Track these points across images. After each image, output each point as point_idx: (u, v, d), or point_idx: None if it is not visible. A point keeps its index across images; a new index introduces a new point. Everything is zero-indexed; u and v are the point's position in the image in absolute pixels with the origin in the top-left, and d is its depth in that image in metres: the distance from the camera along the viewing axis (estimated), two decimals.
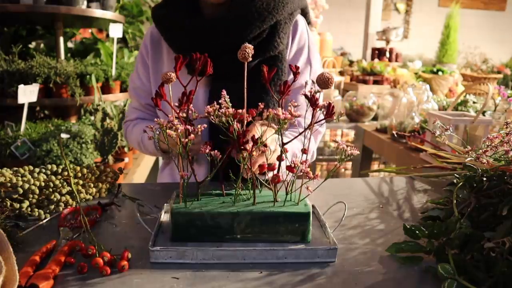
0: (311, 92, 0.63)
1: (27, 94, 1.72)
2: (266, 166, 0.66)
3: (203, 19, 1.00)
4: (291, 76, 1.03)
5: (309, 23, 1.13)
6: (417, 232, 0.65)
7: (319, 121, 0.64)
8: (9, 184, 0.77)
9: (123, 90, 2.27)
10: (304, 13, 1.11)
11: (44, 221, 0.75)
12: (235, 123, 0.63)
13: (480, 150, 0.84)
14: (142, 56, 1.10)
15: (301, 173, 0.65)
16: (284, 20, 1.00)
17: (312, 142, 1.09)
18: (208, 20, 0.99)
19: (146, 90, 1.10)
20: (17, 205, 0.76)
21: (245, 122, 0.66)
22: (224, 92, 0.66)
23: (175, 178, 1.13)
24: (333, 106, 0.62)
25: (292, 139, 0.71)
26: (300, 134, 0.68)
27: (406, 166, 1.18)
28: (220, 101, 0.65)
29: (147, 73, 1.09)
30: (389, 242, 0.67)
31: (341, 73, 4.39)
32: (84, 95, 2.02)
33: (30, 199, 0.77)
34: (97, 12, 2.09)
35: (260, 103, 0.67)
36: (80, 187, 0.85)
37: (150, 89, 1.09)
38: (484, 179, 0.74)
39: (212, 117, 0.65)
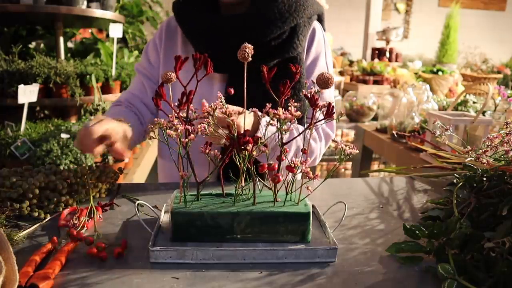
0: (311, 92, 0.63)
1: (27, 94, 1.72)
2: (266, 166, 0.66)
3: (224, 16, 1.03)
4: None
5: (324, 29, 1.15)
6: (417, 232, 0.65)
7: (319, 121, 0.64)
8: (9, 184, 0.77)
9: (123, 90, 2.27)
10: (320, 20, 1.13)
11: (44, 221, 0.75)
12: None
13: (480, 150, 0.84)
14: (155, 43, 1.12)
15: (301, 173, 0.65)
16: (303, 23, 1.02)
17: (323, 144, 1.09)
18: (230, 17, 1.01)
19: (152, 73, 1.13)
20: (17, 205, 0.76)
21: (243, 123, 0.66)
22: (219, 94, 0.66)
23: (174, 178, 1.13)
24: (333, 106, 0.62)
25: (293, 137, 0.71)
26: (299, 134, 0.68)
27: (406, 166, 1.18)
28: (215, 103, 0.65)
29: (157, 59, 1.11)
30: (389, 242, 0.67)
31: (341, 73, 4.40)
32: (84, 95, 2.02)
33: (30, 199, 0.77)
34: (97, 12, 2.09)
35: (268, 104, 0.66)
36: (80, 187, 0.85)
37: (156, 73, 1.12)
38: (484, 179, 0.74)
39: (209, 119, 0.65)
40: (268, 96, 0.66)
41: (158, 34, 1.13)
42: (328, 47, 1.12)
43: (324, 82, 0.61)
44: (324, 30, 1.15)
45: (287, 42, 1.00)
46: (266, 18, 0.97)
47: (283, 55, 1.00)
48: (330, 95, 1.10)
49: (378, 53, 5.06)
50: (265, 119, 0.77)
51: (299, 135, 0.70)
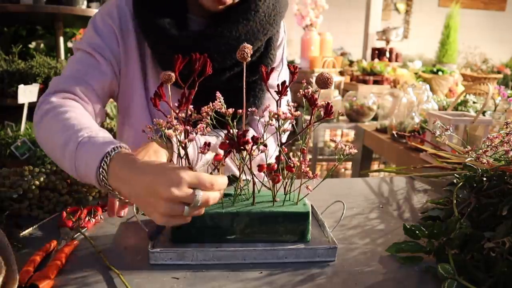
0: (309, 92, 0.63)
1: (27, 94, 1.73)
2: (265, 166, 0.66)
3: (200, 35, 0.88)
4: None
5: None
6: (417, 232, 0.65)
7: (317, 121, 0.64)
8: (9, 184, 0.77)
9: None
10: None
11: (44, 221, 0.75)
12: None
13: (480, 150, 0.84)
14: (111, 29, 0.88)
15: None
16: (275, 30, 0.96)
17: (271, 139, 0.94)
18: (207, 37, 0.88)
19: (108, 53, 0.87)
20: (17, 205, 0.76)
21: (243, 123, 0.66)
22: (218, 94, 0.66)
23: None
24: (331, 106, 0.62)
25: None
26: (298, 133, 0.68)
27: (406, 166, 1.18)
28: (214, 103, 0.65)
29: (117, 49, 0.89)
30: (389, 242, 0.67)
31: (341, 73, 4.39)
32: None
33: (30, 199, 0.77)
34: None
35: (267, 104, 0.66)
36: (80, 187, 0.85)
37: (114, 61, 0.89)
38: (484, 179, 0.74)
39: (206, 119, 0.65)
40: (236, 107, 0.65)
41: (116, 20, 0.88)
42: (285, 39, 1.06)
43: (323, 82, 0.61)
44: None
45: (264, 54, 0.94)
46: (248, 31, 0.88)
47: (257, 73, 0.93)
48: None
49: (378, 53, 5.06)
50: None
51: (301, 135, 0.70)
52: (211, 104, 0.65)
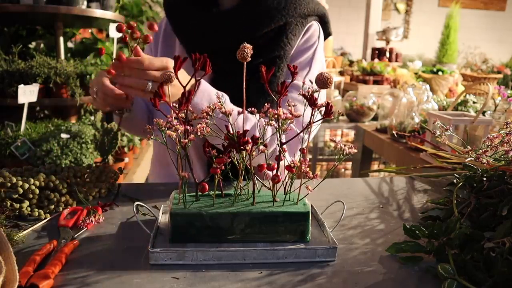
0: (309, 92, 0.63)
1: (27, 94, 1.72)
2: (266, 166, 0.66)
3: (212, 13, 1.01)
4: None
5: (329, 33, 1.11)
6: (417, 232, 0.65)
7: (317, 120, 0.64)
8: (9, 184, 0.77)
9: None
10: (323, 22, 1.09)
11: (44, 221, 0.75)
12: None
13: (480, 150, 0.84)
14: (149, 46, 1.11)
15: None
16: (295, 22, 1.00)
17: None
18: (218, 14, 1.00)
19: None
20: (17, 205, 0.76)
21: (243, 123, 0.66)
22: (218, 94, 0.66)
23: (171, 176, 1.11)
24: (331, 106, 0.62)
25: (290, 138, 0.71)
26: (298, 134, 0.68)
27: (406, 166, 1.18)
28: (214, 103, 0.65)
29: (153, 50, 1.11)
30: (389, 242, 0.67)
31: (341, 73, 4.39)
32: (84, 95, 2.02)
33: (30, 199, 0.77)
34: (97, 12, 2.09)
35: (266, 104, 0.66)
36: (80, 187, 0.85)
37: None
38: (484, 179, 0.74)
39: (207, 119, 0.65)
40: (251, 97, 0.65)
41: (154, 37, 1.10)
42: (321, 49, 1.06)
43: (323, 82, 0.61)
44: (330, 34, 1.11)
45: (275, 40, 0.98)
46: (255, 16, 0.95)
47: (269, 54, 0.97)
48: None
49: (378, 53, 5.06)
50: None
51: (295, 136, 0.70)
52: (211, 104, 0.65)
